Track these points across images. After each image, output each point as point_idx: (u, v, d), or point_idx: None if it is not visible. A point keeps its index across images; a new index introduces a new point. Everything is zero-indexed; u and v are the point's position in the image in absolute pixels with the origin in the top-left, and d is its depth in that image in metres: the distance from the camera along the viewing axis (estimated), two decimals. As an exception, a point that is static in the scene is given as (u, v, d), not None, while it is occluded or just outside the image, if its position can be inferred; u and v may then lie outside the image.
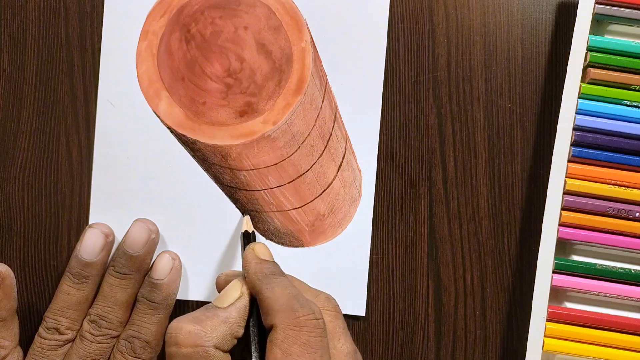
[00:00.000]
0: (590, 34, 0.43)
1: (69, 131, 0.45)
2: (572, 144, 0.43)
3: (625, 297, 0.43)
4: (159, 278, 0.43)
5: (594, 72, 0.43)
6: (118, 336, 0.43)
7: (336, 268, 0.45)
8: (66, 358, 0.43)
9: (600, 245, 0.44)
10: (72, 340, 0.43)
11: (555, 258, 0.43)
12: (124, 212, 0.45)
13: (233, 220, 0.45)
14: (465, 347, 0.46)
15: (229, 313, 0.38)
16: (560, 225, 0.43)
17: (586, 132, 0.43)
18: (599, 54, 0.43)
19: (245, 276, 0.39)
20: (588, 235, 0.43)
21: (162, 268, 0.43)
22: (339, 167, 0.44)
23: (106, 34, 0.45)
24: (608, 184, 0.43)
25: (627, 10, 0.43)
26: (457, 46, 0.45)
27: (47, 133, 0.45)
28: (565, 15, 0.45)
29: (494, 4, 0.45)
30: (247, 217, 0.43)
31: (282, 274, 0.39)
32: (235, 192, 0.43)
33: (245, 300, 0.38)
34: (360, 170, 0.45)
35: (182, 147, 0.44)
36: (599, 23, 0.45)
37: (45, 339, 0.43)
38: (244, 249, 0.40)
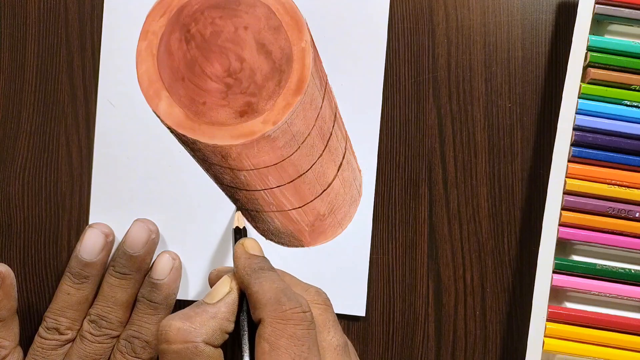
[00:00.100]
0: (590, 34, 0.43)
1: (69, 131, 0.45)
2: (572, 144, 0.43)
3: (625, 297, 0.43)
4: (159, 278, 0.43)
5: (594, 72, 0.43)
6: (118, 336, 0.43)
7: (336, 268, 0.45)
8: (66, 358, 0.43)
9: (600, 245, 0.44)
10: (72, 340, 0.43)
11: (555, 258, 0.43)
12: (124, 212, 0.45)
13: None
14: (465, 347, 0.46)
15: (218, 308, 0.38)
16: (560, 225, 0.43)
17: (586, 132, 0.43)
18: (599, 54, 0.43)
19: (235, 271, 0.39)
20: (588, 235, 0.43)
21: (162, 268, 0.43)
22: (339, 167, 0.44)
23: (106, 34, 0.45)
24: (608, 184, 0.43)
25: (627, 10, 0.43)
26: (457, 46, 0.45)
27: (47, 133, 0.45)
28: (565, 15, 0.45)
29: (494, 4, 0.45)
30: (239, 213, 0.44)
31: (272, 268, 0.39)
32: (236, 192, 0.43)
33: (234, 295, 0.38)
34: (360, 170, 0.45)
35: (182, 147, 0.44)
36: (599, 23, 0.45)
37: (45, 339, 0.43)
38: (235, 244, 0.40)
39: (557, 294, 0.45)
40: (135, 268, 0.43)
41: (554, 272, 0.43)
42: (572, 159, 0.43)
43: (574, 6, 0.44)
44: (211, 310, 0.38)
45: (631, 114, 0.43)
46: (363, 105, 0.45)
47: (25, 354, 0.43)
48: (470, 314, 0.46)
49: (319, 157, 0.42)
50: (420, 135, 0.46)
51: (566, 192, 0.43)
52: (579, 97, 0.43)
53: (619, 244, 0.43)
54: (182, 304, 0.45)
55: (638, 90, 0.43)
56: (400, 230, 0.46)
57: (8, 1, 0.45)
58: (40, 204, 0.45)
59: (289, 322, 0.36)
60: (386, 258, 0.46)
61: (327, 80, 0.44)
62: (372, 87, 0.45)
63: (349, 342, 0.40)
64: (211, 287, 0.40)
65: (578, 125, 0.43)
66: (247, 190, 0.43)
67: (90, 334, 0.42)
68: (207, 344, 0.37)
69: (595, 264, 0.44)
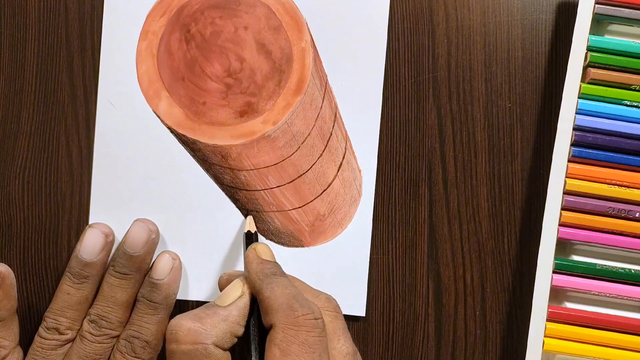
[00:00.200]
0: (590, 34, 0.43)
1: (69, 131, 0.45)
2: (572, 144, 0.43)
3: (625, 297, 0.43)
4: (159, 278, 0.43)
5: (594, 72, 0.43)
6: (118, 336, 0.43)
7: (336, 268, 0.45)
8: (66, 358, 0.43)
9: (600, 245, 0.44)
10: (72, 340, 0.43)
11: (555, 258, 0.43)
12: (124, 212, 0.45)
13: (233, 220, 0.45)
14: (465, 347, 0.46)
15: (229, 311, 0.38)
16: (560, 225, 0.43)
17: (586, 132, 0.43)
18: (599, 54, 0.43)
19: (246, 276, 0.39)
20: (588, 235, 0.43)
21: (162, 268, 0.43)
22: (339, 167, 0.44)
23: (106, 34, 0.45)
24: (608, 184, 0.43)
25: (627, 10, 0.43)
26: (457, 46, 0.45)
27: (47, 133, 0.45)
28: (565, 15, 0.45)
29: (494, 4, 0.45)
30: (250, 218, 0.43)
31: (283, 274, 0.39)
32: (236, 192, 0.43)
33: (246, 299, 0.38)
34: (360, 170, 0.45)
35: (182, 147, 0.44)
36: (599, 23, 0.45)
37: (45, 339, 0.43)
38: (246, 249, 0.40)
39: (557, 294, 0.45)
40: (135, 268, 0.43)
41: (554, 272, 0.43)
42: (572, 159, 0.43)
43: (574, 6, 0.44)
44: (222, 312, 0.38)
45: (631, 114, 0.43)
46: (363, 105, 0.45)
47: (25, 353, 0.43)
48: (470, 314, 0.46)
49: (319, 157, 0.42)
50: (420, 135, 0.46)
51: (566, 192, 0.43)
52: (579, 97, 0.43)
53: (619, 244, 0.43)
54: (182, 304, 0.45)
55: (638, 90, 0.43)
56: (400, 230, 0.46)
57: (8, 1, 0.45)
58: (40, 204, 0.45)
59: (301, 328, 0.36)
60: (386, 258, 0.46)
61: (327, 80, 0.44)
62: (372, 87, 0.45)
63: (357, 351, 0.40)
64: (221, 290, 0.40)
65: (578, 125, 0.43)
66: (247, 190, 0.43)
67: (90, 334, 0.42)
68: (216, 346, 0.37)
69: (595, 264, 0.44)
